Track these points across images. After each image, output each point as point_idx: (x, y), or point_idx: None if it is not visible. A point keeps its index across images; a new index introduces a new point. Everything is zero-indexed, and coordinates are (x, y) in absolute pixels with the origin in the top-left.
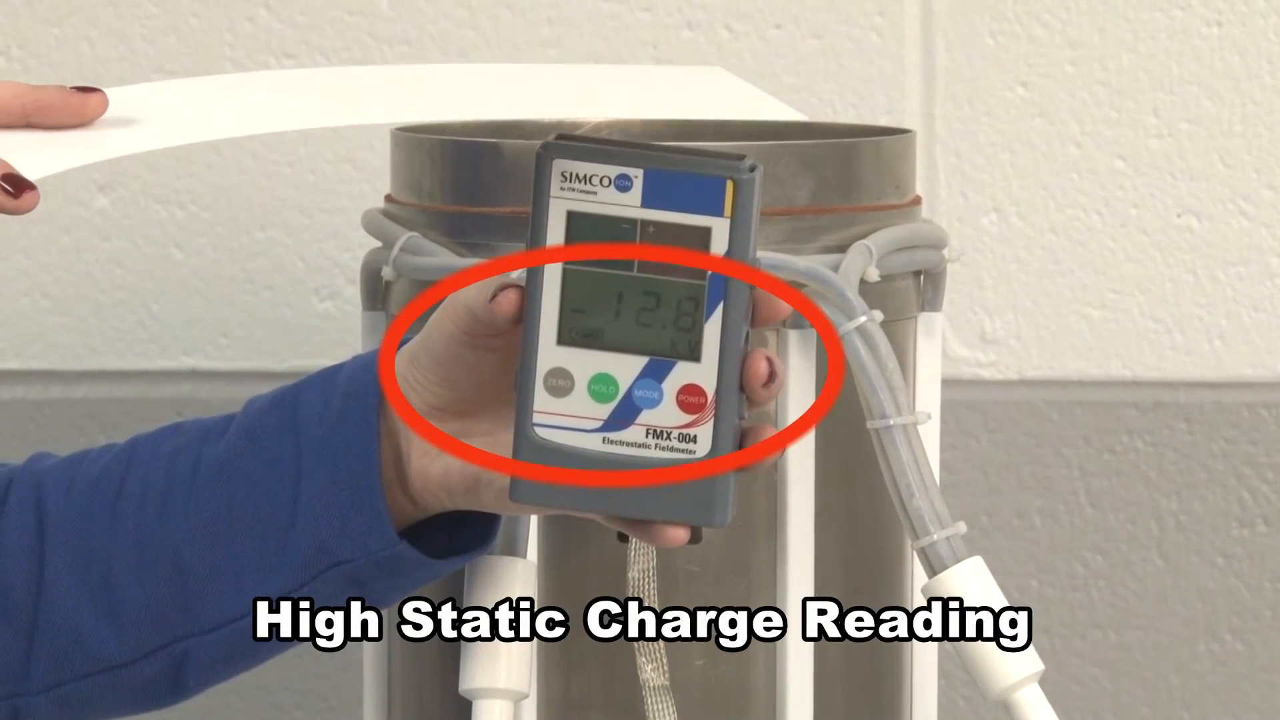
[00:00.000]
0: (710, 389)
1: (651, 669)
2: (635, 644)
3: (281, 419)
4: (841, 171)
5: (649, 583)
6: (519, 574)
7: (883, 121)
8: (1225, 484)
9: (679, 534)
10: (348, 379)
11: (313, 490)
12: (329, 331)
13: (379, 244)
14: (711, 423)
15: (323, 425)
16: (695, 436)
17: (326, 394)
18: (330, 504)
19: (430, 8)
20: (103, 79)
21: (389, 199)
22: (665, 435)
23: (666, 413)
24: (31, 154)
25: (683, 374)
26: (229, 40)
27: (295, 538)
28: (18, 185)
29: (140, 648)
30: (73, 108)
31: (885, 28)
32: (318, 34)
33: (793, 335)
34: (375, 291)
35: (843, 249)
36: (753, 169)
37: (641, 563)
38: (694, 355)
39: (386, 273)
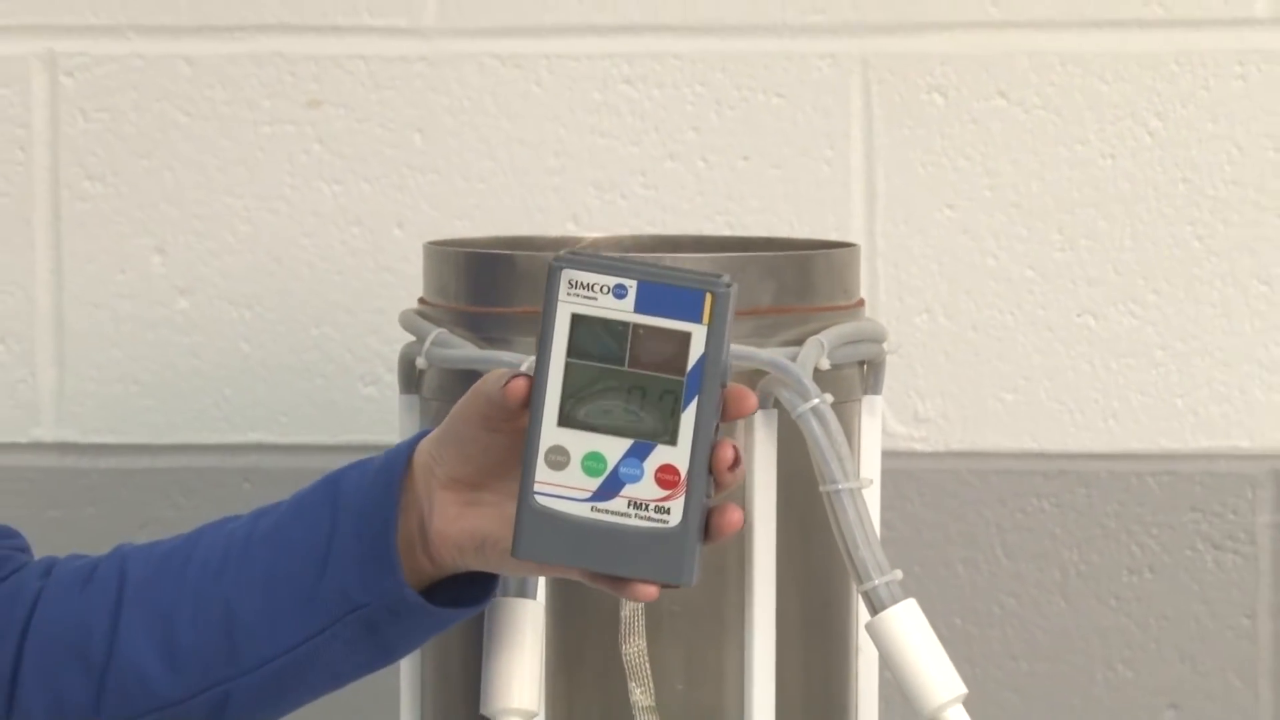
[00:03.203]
0: (684, 469)
1: (640, 692)
2: (627, 671)
3: (325, 493)
4: (798, 278)
5: (638, 620)
6: (529, 612)
7: (832, 237)
8: (1117, 539)
9: (650, 590)
10: (380, 461)
11: (342, 546)
12: (371, 412)
13: (413, 338)
14: (683, 498)
15: (356, 495)
16: (669, 509)
17: (362, 472)
18: (354, 555)
19: (455, 141)
20: (184, 202)
21: (422, 301)
22: (644, 506)
23: (646, 488)
24: None
25: (661, 455)
26: (288, 168)
27: (324, 586)
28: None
29: (191, 688)
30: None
31: (835, 159)
32: (363, 165)
33: (758, 415)
34: (410, 378)
35: (799, 342)
36: (728, 285)
37: (633, 604)
38: (671, 440)
39: (420, 362)
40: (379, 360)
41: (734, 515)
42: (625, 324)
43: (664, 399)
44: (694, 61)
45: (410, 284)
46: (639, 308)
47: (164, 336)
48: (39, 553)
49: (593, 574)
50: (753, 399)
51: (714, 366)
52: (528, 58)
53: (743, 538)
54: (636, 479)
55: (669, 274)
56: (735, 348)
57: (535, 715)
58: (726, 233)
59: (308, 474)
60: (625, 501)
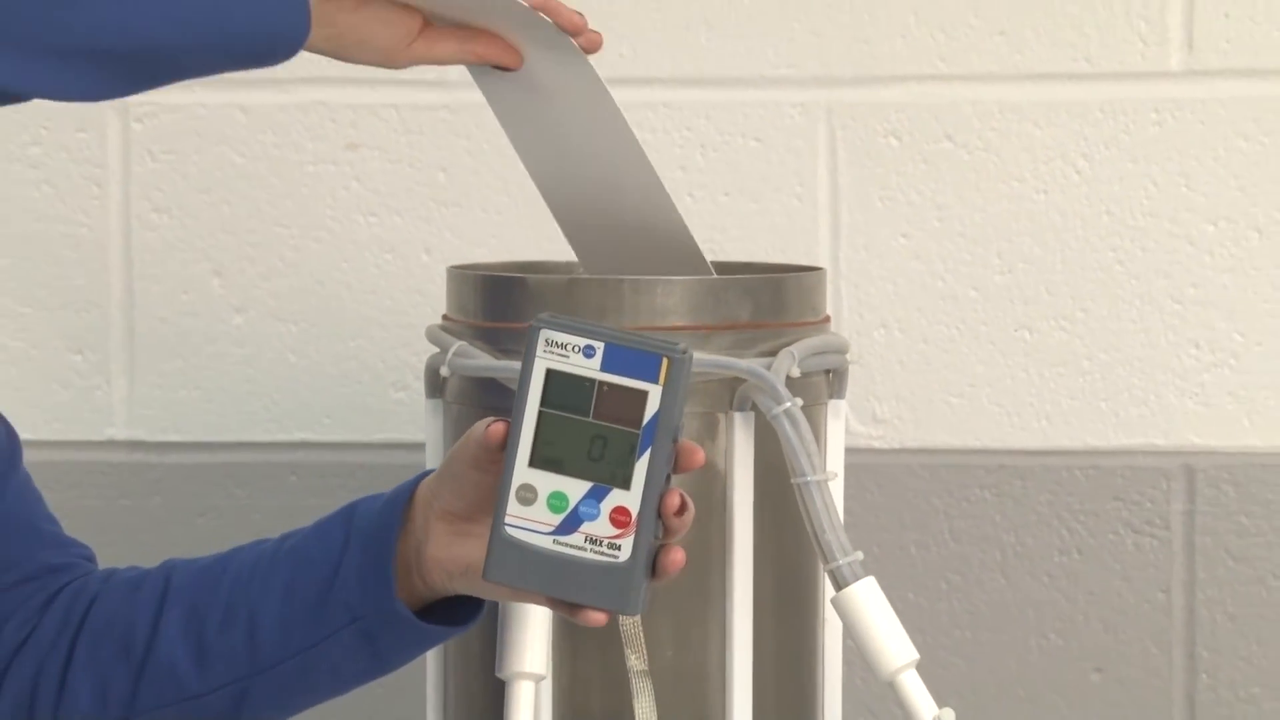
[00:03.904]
0: (635, 512)
1: (635, 658)
2: (623, 639)
3: (342, 518)
4: (772, 297)
5: None
6: None
7: (802, 261)
8: (1049, 524)
9: (600, 617)
10: (390, 493)
11: (349, 565)
12: (402, 414)
13: (438, 350)
14: (633, 537)
15: (366, 521)
16: (620, 546)
17: (373, 502)
18: (358, 573)
19: (475, 179)
20: (239, 231)
21: (445, 318)
22: (598, 542)
23: (601, 526)
24: None
25: (616, 498)
26: (329, 202)
27: (331, 598)
28: None
29: (214, 683)
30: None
31: (804, 194)
32: (394, 199)
33: (737, 417)
34: (435, 384)
35: (774, 353)
36: (684, 351)
37: None
38: (625, 485)
39: (443, 371)
40: (408, 369)
41: (677, 555)
42: (592, 380)
43: (621, 448)
44: (681, 109)
45: (435, 303)
46: (604, 367)
47: (221, 349)
48: (112, 534)
49: (552, 599)
50: (700, 454)
51: (666, 423)
52: None
53: (725, 523)
54: (594, 517)
55: (632, 339)
56: (717, 358)
57: (543, 677)
58: (711, 258)
59: (346, 467)
60: (583, 537)
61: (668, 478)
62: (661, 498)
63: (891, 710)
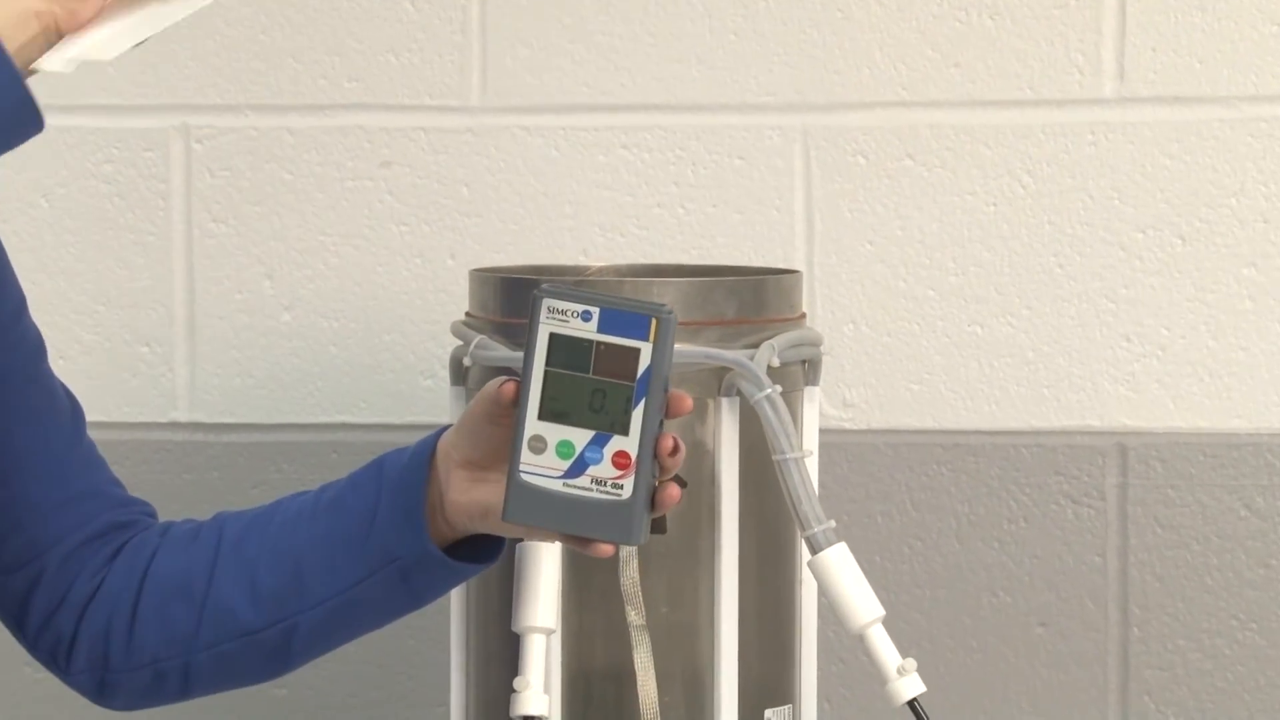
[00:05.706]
0: (634, 454)
1: (634, 614)
2: (624, 597)
3: (373, 472)
4: (755, 296)
5: (632, 557)
6: (549, 551)
7: (781, 265)
8: (998, 496)
9: (608, 549)
10: (415, 447)
11: (384, 512)
12: (430, 399)
13: (461, 343)
14: (633, 477)
15: (395, 473)
16: (622, 485)
17: (401, 455)
18: (392, 519)
19: (493, 193)
20: (287, 239)
21: (467, 314)
22: (603, 483)
23: (605, 468)
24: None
25: (617, 443)
26: (366, 213)
27: (370, 542)
28: None
29: (268, 620)
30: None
31: (782, 206)
32: (423, 211)
33: (724, 402)
34: (459, 373)
35: (757, 346)
36: (670, 312)
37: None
38: (625, 431)
39: (466, 361)
40: (435, 360)
41: (673, 490)
42: (590, 341)
43: (619, 399)
44: (675, 132)
45: (459, 301)
46: (601, 328)
47: (272, 341)
48: (176, 505)
49: (564, 535)
50: (688, 401)
51: (658, 375)
52: (549, 129)
53: (714, 495)
54: (598, 461)
55: (624, 302)
56: (708, 350)
57: (553, 631)
58: (700, 262)
59: (380, 446)
60: (589, 479)
61: (661, 423)
62: (656, 440)
63: (861, 660)
